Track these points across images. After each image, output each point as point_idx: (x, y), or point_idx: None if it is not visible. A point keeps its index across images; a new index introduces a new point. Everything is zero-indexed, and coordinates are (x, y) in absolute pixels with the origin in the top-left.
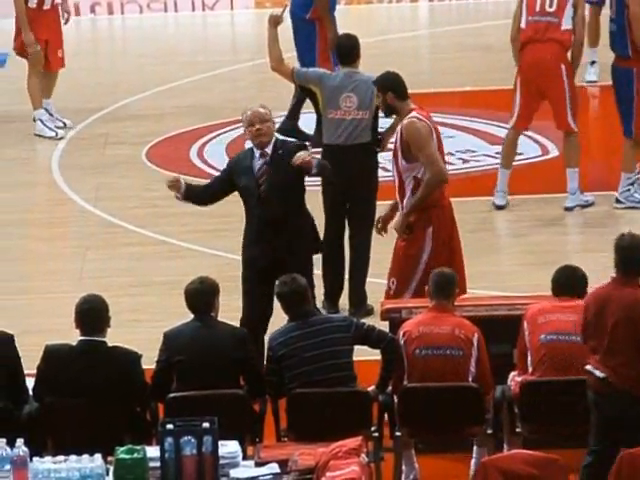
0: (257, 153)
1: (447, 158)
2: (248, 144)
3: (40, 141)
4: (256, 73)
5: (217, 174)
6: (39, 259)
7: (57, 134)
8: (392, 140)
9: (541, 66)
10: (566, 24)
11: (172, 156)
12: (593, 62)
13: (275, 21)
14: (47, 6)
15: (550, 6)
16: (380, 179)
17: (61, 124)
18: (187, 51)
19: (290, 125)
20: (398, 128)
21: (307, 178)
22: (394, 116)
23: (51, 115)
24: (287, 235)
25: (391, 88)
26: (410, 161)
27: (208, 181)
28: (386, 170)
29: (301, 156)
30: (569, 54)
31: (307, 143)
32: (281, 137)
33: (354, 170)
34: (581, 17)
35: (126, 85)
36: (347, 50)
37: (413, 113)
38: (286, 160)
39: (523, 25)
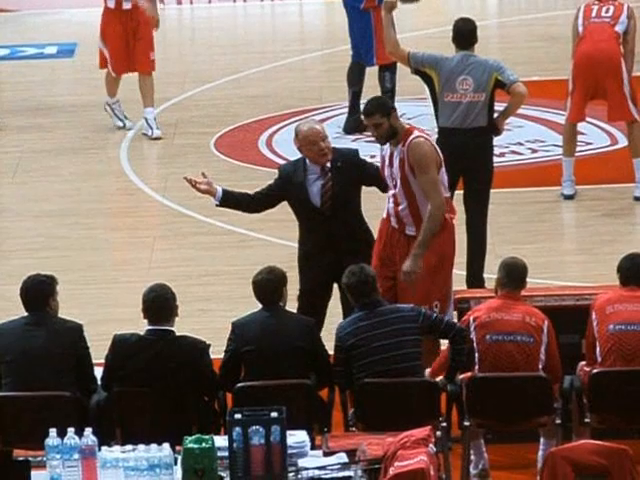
0: (316, 169)
1: (516, 148)
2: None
3: (109, 131)
4: (325, 63)
5: (268, 184)
6: (108, 249)
7: (125, 125)
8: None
9: (598, 57)
10: (619, 28)
11: (241, 146)
12: None
13: (390, 7)
14: (127, 6)
15: (606, 12)
16: (497, 164)
17: (120, 123)
18: (255, 41)
19: (355, 121)
20: (403, 149)
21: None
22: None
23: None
24: (354, 245)
25: (393, 107)
26: None
27: (257, 189)
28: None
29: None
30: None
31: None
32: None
33: (470, 154)
34: (634, 27)
35: (195, 75)
36: (464, 33)
37: (417, 132)
38: (347, 172)
39: (580, 30)
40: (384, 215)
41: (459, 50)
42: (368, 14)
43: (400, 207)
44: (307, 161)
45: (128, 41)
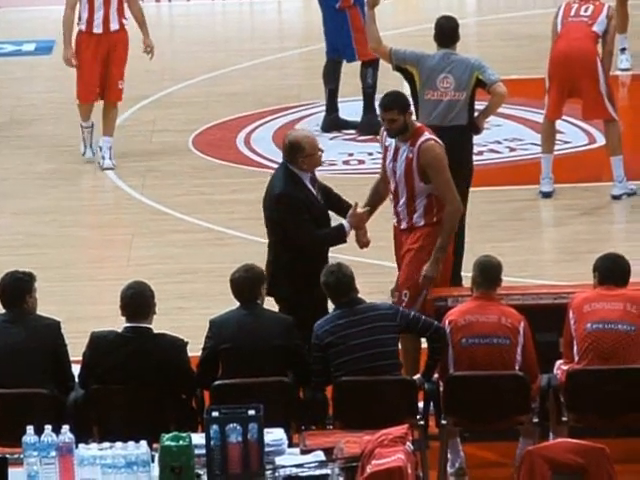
0: (308, 177)
1: (494, 146)
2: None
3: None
4: (303, 61)
5: (306, 219)
6: (86, 246)
7: (85, 153)
8: (394, 155)
9: (573, 55)
10: (597, 28)
11: (219, 143)
12: (623, 49)
13: (373, 3)
14: (98, 29)
15: (585, 11)
16: (475, 163)
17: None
18: (234, 38)
19: (332, 120)
20: (413, 149)
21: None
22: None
23: (101, 151)
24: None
25: (409, 104)
26: (427, 182)
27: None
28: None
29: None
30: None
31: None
32: None
33: (450, 152)
34: (613, 28)
35: (173, 72)
36: (446, 31)
37: (427, 134)
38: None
39: (559, 29)
40: None
41: (441, 48)
42: (344, 13)
43: (399, 202)
44: (299, 173)
45: (97, 67)
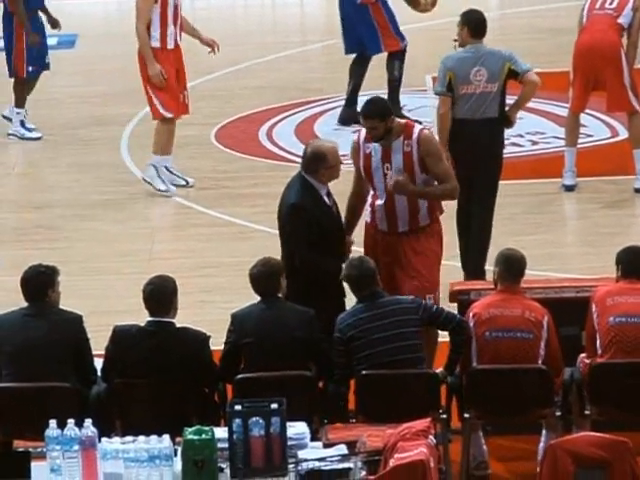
0: (324, 191)
1: (517, 140)
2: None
3: (109, 122)
4: (326, 54)
5: (303, 239)
6: (108, 240)
7: (169, 190)
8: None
9: (597, 47)
10: (622, 20)
11: (241, 137)
12: None
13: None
14: (170, 45)
15: (610, 4)
16: (505, 156)
17: (182, 182)
18: (255, 32)
19: (350, 113)
20: (411, 142)
21: None
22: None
23: (170, 172)
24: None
25: (390, 112)
26: (427, 173)
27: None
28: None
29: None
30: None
31: None
32: None
33: (480, 144)
34: (639, 19)
35: (195, 66)
36: (481, 24)
37: (419, 125)
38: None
39: (584, 22)
40: (368, 219)
41: (475, 40)
42: (366, 7)
43: (396, 204)
44: (315, 185)
45: (174, 82)
